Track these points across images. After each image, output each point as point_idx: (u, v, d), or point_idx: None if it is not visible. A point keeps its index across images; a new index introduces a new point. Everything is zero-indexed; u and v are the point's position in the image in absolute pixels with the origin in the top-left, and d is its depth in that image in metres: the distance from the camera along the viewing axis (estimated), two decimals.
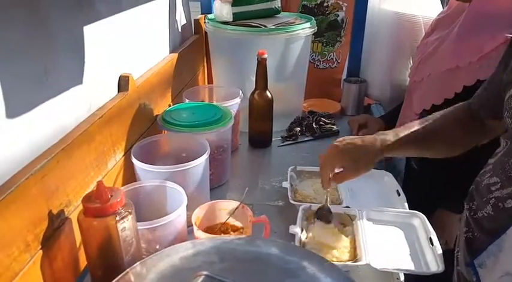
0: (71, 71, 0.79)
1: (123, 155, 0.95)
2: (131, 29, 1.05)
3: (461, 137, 0.82)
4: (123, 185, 0.82)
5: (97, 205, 0.60)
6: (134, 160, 0.87)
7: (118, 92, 0.97)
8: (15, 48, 0.63)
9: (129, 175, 0.93)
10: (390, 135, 0.82)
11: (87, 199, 0.61)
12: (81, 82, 0.81)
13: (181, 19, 1.47)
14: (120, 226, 0.62)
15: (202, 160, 0.89)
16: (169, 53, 1.33)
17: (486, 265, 0.60)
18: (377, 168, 1.16)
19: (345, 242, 0.85)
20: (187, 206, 0.79)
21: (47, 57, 0.71)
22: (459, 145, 0.82)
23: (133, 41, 1.06)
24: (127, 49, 1.03)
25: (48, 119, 0.72)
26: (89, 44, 0.84)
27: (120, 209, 0.62)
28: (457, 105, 0.85)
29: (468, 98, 0.84)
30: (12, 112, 0.63)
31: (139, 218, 0.73)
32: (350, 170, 0.84)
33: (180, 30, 1.45)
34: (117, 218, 0.61)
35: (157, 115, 1.12)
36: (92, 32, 0.85)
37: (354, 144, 0.84)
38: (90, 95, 0.85)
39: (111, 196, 0.61)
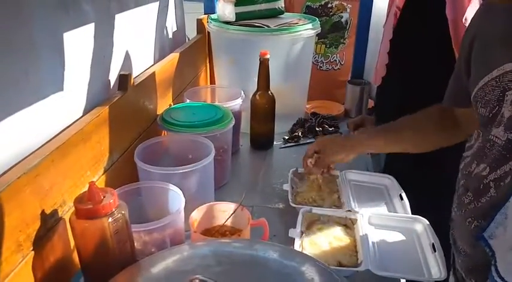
0: (55, 75, 0.77)
1: (121, 155, 0.93)
2: (117, 35, 1.02)
3: (432, 132, 0.87)
4: (120, 185, 0.80)
5: (89, 206, 0.58)
6: (138, 161, 0.85)
7: (116, 91, 0.95)
8: None
9: (127, 175, 0.91)
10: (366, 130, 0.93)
11: (79, 200, 0.59)
12: (63, 87, 0.80)
13: (172, 26, 1.44)
14: (113, 228, 0.60)
15: (207, 162, 0.88)
16: (154, 62, 1.27)
17: (496, 235, 0.61)
18: (379, 172, 1.15)
19: (346, 245, 0.84)
20: (189, 208, 0.78)
21: (29, 60, 0.69)
22: (429, 140, 0.87)
23: (119, 47, 1.03)
24: (112, 56, 1.00)
25: (36, 122, 0.71)
26: (73, 47, 0.82)
27: (113, 210, 0.60)
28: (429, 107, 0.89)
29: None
30: None
31: (138, 219, 0.72)
32: (328, 150, 0.97)
33: (170, 36, 1.42)
34: (110, 220, 0.60)
35: (157, 115, 1.11)
36: (76, 35, 0.83)
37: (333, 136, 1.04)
38: (75, 99, 0.83)
39: (104, 197, 0.60)
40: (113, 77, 0.98)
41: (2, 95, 0.63)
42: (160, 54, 1.33)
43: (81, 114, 0.85)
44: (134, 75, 1.10)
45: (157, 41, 1.30)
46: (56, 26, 0.77)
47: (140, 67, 1.17)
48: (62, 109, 0.79)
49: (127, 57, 1.08)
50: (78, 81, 0.85)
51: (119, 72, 1.00)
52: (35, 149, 0.69)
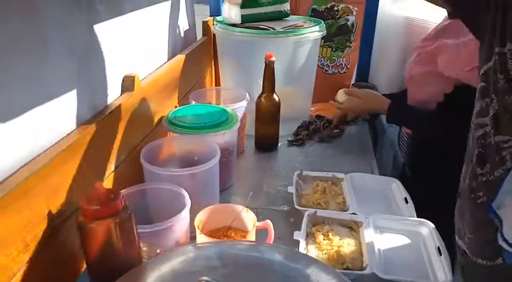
0: (67, 74, 0.78)
1: (127, 156, 0.94)
2: (130, 34, 1.03)
3: None
4: (127, 186, 0.80)
5: (96, 207, 0.59)
6: (144, 162, 0.86)
7: (123, 92, 0.96)
8: (9, 49, 0.62)
9: (133, 176, 0.92)
10: None
11: (86, 201, 0.60)
12: (78, 84, 0.80)
13: (184, 24, 1.46)
14: (119, 229, 0.60)
15: (213, 163, 0.88)
16: (168, 59, 1.30)
17: (504, 204, 0.60)
18: (385, 175, 1.14)
19: (351, 248, 0.84)
20: (194, 209, 0.78)
21: (42, 58, 0.70)
22: None
23: (133, 46, 1.05)
24: (125, 54, 1.01)
25: (45, 122, 0.71)
26: (87, 46, 0.83)
27: (120, 211, 0.61)
28: None
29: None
30: (5, 113, 0.62)
31: (144, 220, 0.72)
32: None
33: (182, 35, 1.44)
34: (117, 221, 0.60)
35: (162, 116, 1.11)
36: (90, 34, 0.84)
37: None
38: (87, 97, 0.84)
39: (111, 198, 0.60)
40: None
41: (15, 94, 0.64)
42: (174, 52, 1.34)
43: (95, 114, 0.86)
44: (148, 73, 1.12)
45: (171, 39, 1.32)
46: (69, 25, 0.77)
47: (154, 65, 1.19)
48: (74, 108, 0.79)
49: (141, 55, 1.10)
50: (92, 80, 0.86)
51: (133, 70, 1.01)
52: (47, 148, 0.69)
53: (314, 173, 1.10)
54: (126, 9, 1.00)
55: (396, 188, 1.05)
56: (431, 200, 1.03)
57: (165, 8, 1.27)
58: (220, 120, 1.03)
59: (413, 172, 1.35)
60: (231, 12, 1.33)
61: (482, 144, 0.65)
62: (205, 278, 0.57)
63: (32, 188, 0.61)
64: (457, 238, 0.74)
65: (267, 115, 1.27)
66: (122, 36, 0.99)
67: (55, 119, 0.73)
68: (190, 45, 1.45)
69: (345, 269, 0.78)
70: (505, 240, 0.59)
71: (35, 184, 0.62)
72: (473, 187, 0.66)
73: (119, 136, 0.89)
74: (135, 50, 1.06)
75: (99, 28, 0.87)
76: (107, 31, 0.91)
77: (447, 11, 0.74)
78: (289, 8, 1.43)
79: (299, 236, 0.84)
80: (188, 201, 0.78)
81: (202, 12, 1.67)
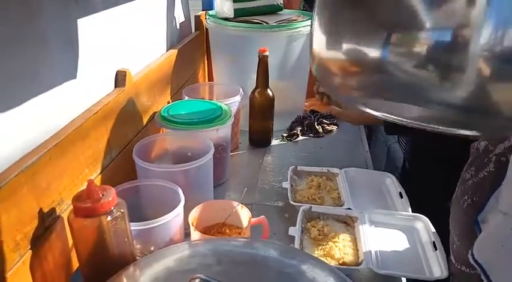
0: (64, 67, 0.76)
1: (119, 152, 0.92)
2: (127, 25, 1.02)
3: None
4: (119, 183, 0.79)
5: (88, 205, 0.58)
6: (136, 159, 0.84)
7: (115, 87, 0.94)
8: (4, 43, 0.61)
9: (126, 173, 0.91)
10: None
11: (77, 198, 0.58)
12: (74, 78, 0.79)
13: (179, 16, 1.45)
14: (111, 226, 0.59)
15: (206, 159, 0.87)
16: (166, 50, 1.30)
17: (488, 219, 0.60)
18: (379, 170, 1.14)
19: (347, 243, 0.83)
20: (188, 206, 0.77)
21: (38, 52, 0.68)
22: None
23: (130, 37, 1.04)
24: (123, 45, 1.00)
25: (40, 116, 0.69)
26: (83, 38, 0.81)
27: (112, 208, 0.60)
28: None
29: None
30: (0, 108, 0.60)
31: (137, 217, 0.71)
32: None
33: (178, 27, 1.43)
34: (109, 218, 0.59)
35: (155, 112, 1.10)
36: (86, 26, 0.82)
37: None
38: (83, 91, 0.82)
39: (103, 195, 0.59)
40: (125, 67, 0.98)
41: (12, 88, 0.62)
42: (171, 43, 1.34)
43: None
44: (146, 64, 1.11)
45: (169, 30, 1.31)
46: (65, 17, 0.76)
47: (153, 56, 1.18)
48: (73, 101, 0.78)
49: (139, 48, 1.09)
50: (90, 73, 0.84)
51: (131, 63, 1.00)
52: (38, 144, 0.68)
53: (309, 168, 1.10)
54: (121, 1, 0.99)
55: (391, 183, 1.05)
56: (431, 195, 1.03)
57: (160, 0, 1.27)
58: (214, 116, 1.01)
59: (413, 167, 1.35)
60: (224, 6, 1.31)
61: (472, 153, 0.67)
62: (199, 275, 0.56)
63: (21, 186, 0.60)
64: (450, 244, 0.74)
65: (261, 110, 1.27)
66: (118, 28, 0.97)
67: (46, 116, 0.72)
68: (186, 37, 1.43)
69: (340, 265, 0.78)
70: (472, 254, 0.59)
71: (24, 182, 0.60)
72: (462, 193, 0.67)
73: (111, 132, 0.88)
74: (132, 43, 1.05)
75: (95, 21, 0.86)
76: (103, 24, 0.89)
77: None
78: (282, 2, 1.41)
79: (294, 231, 0.83)
80: (182, 198, 0.77)
81: (195, 7, 1.65)
